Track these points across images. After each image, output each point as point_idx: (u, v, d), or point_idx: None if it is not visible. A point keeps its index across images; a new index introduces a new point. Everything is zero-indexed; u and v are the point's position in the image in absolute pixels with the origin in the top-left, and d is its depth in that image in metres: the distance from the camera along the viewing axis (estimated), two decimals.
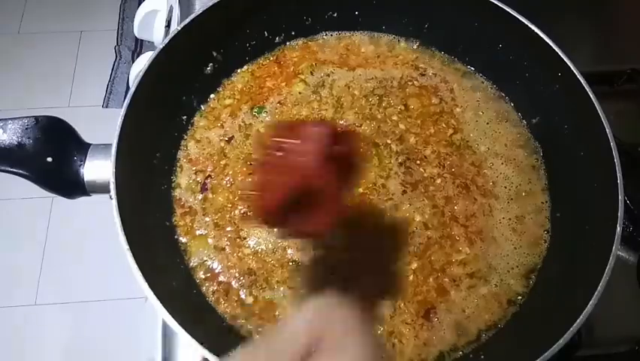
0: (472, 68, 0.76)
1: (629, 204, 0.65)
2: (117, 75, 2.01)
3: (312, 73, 0.75)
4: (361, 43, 0.78)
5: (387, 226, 0.65)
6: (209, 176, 0.68)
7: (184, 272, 0.62)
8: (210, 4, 0.65)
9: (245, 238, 0.64)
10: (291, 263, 0.63)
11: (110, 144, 0.57)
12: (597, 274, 0.54)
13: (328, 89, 0.74)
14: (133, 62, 1.62)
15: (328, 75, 0.75)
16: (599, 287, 0.53)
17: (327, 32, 0.78)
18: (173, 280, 0.60)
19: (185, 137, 0.70)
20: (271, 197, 0.42)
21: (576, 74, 0.62)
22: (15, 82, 2.00)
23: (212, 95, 0.73)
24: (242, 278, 0.62)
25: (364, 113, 0.72)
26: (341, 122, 0.71)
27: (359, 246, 0.63)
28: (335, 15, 0.76)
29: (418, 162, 0.69)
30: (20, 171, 0.59)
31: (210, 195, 0.67)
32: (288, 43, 0.77)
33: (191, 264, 0.63)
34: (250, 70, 0.75)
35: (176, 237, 0.64)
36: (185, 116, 0.71)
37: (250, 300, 0.61)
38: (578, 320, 0.52)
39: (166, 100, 0.67)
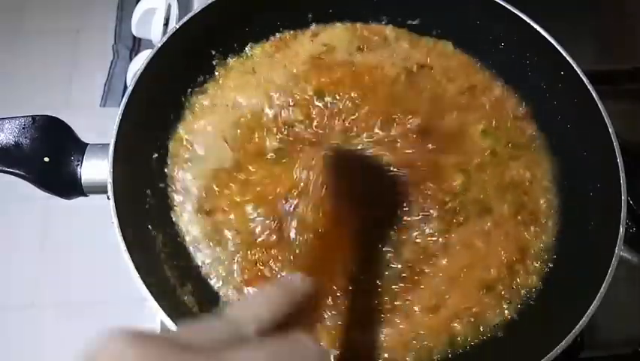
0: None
1: (632, 204, 0.65)
2: (115, 74, 2.00)
3: None
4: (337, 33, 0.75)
5: None
6: None
7: (182, 273, 0.62)
8: (209, 2, 0.65)
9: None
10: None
11: (108, 144, 0.57)
12: (600, 275, 0.53)
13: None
14: (131, 61, 1.61)
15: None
16: (601, 288, 0.53)
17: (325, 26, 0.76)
18: (171, 281, 0.59)
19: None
20: None
21: (579, 72, 0.62)
22: (12, 81, 1.99)
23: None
24: None
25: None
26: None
27: None
28: (331, 11, 0.74)
29: None
30: (17, 171, 0.59)
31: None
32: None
33: (188, 264, 0.62)
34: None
35: (173, 237, 0.64)
36: None
37: None
38: (581, 322, 0.52)
39: (164, 99, 0.66)
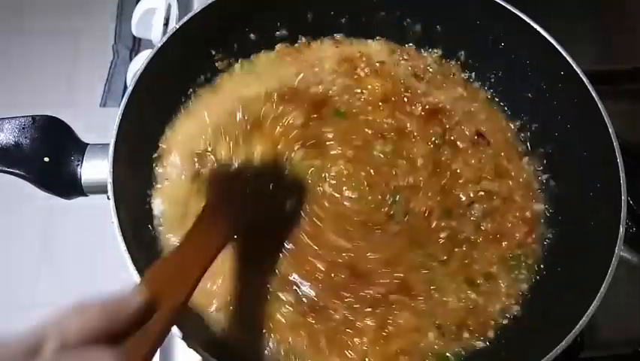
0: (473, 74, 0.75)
1: (632, 204, 0.65)
2: (115, 74, 2.00)
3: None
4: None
5: None
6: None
7: None
8: (209, 1, 0.64)
9: None
10: None
11: (108, 144, 0.56)
12: (600, 275, 0.53)
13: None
14: (131, 61, 1.61)
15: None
16: (601, 289, 0.53)
17: (333, 35, 0.76)
18: None
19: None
20: None
21: (579, 72, 0.62)
22: (12, 81, 1.99)
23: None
24: None
25: None
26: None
27: None
28: (343, 20, 0.74)
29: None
30: (17, 171, 0.59)
31: None
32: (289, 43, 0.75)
33: None
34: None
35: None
36: None
37: None
38: (581, 322, 0.52)
39: (164, 99, 0.66)
